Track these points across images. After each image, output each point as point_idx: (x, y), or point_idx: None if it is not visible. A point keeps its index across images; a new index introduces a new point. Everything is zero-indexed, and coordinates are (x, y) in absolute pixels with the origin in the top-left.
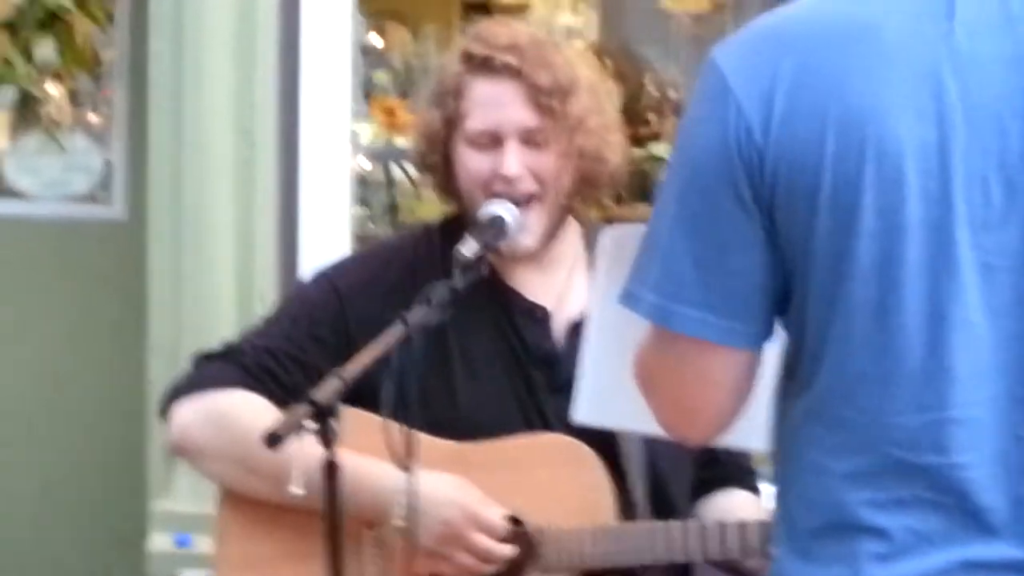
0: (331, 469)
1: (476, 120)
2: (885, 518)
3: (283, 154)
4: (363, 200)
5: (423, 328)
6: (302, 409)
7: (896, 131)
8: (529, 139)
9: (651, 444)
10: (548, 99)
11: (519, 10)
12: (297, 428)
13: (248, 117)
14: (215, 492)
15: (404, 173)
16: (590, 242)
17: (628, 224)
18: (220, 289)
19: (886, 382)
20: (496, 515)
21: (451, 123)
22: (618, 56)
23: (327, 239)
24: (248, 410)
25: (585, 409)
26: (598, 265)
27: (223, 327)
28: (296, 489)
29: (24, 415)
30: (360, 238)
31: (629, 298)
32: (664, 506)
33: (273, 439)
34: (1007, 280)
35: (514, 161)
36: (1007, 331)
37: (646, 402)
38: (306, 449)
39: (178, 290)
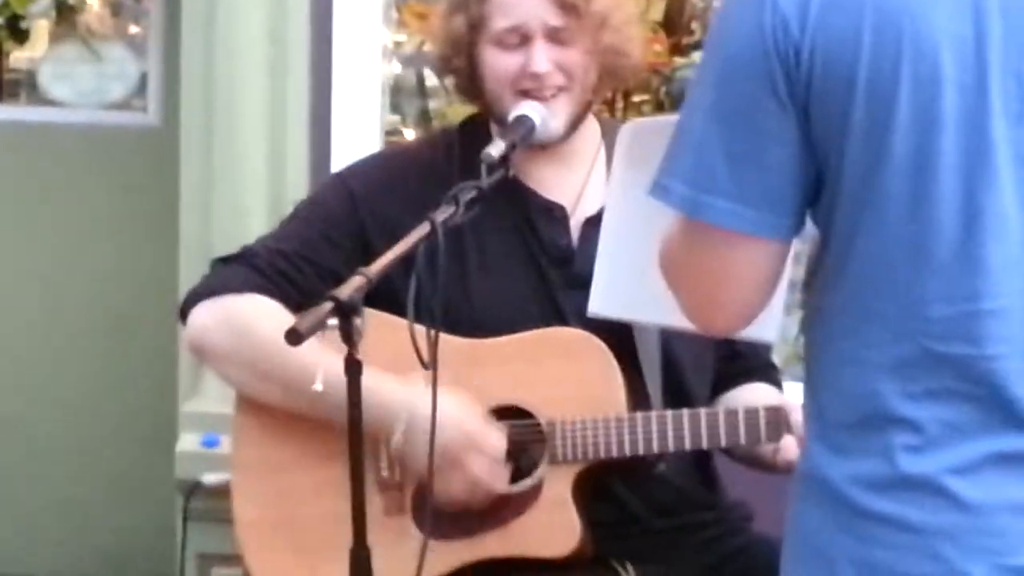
0: (354, 368)
1: (501, 20)
2: (917, 409)
3: (315, 60)
4: (396, 106)
5: (448, 228)
6: (325, 306)
7: (932, 25)
8: (555, 37)
9: (669, 339)
10: None
11: None
12: (320, 326)
13: (280, 23)
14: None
15: (437, 78)
16: (608, 139)
17: (647, 119)
18: (251, 194)
19: (919, 273)
20: (496, 439)
21: (475, 26)
22: None
23: (359, 145)
24: (261, 316)
25: (601, 301)
26: (616, 158)
27: (254, 232)
28: (318, 386)
29: (61, 315)
30: (390, 141)
31: (659, 190)
32: (681, 399)
33: (294, 335)
34: None
35: (543, 58)
36: None
37: (672, 293)
38: (320, 352)
39: (209, 195)
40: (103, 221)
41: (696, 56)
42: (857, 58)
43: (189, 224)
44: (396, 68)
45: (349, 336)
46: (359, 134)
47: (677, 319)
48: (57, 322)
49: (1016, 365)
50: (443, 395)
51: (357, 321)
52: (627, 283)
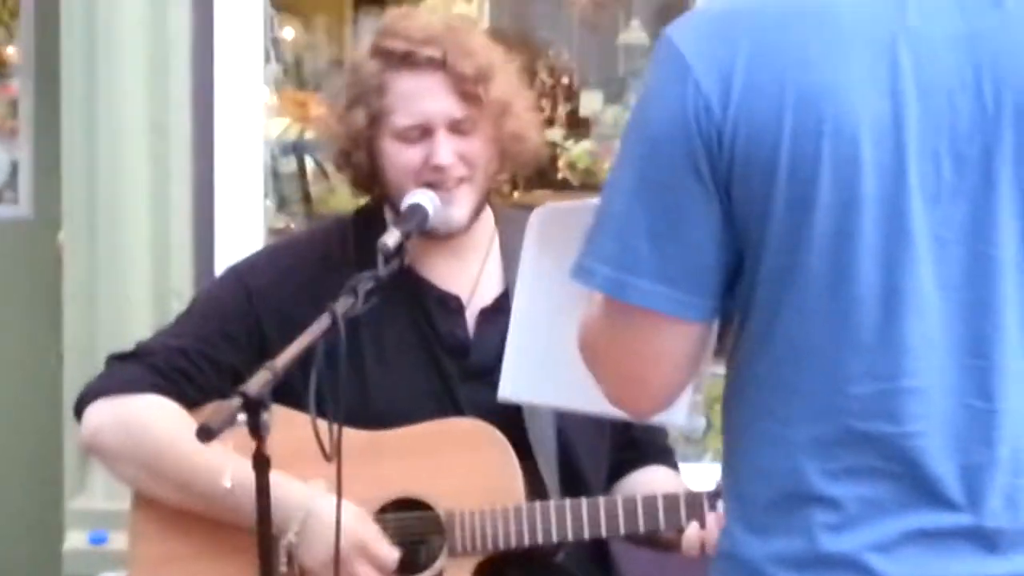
0: (262, 463)
1: (403, 116)
2: (837, 487)
3: (198, 149)
4: (276, 192)
5: (348, 319)
6: (234, 402)
7: (852, 106)
8: (457, 127)
9: (564, 428)
10: (473, 87)
11: (414, 1)
12: (230, 421)
13: (162, 112)
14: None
15: (316, 164)
16: (502, 227)
17: (558, 203)
18: (135, 287)
19: (840, 352)
20: (388, 551)
21: (375, 120)
22: (510, 41)
23: (242, 234)
24: (159, 416)
25: (511, 385)
26: (526, 242)
27: (139, 325)
28: (227, 483)
29: None
30: (274, 231)
31: (582, 271)
32: (578, 490)
33: (205, 432)
34: (956, 253)
35: (447, 151)
36: (956, 303)
37: (593, 375)
38: (220, 451)
39: (93, 287)
40: None
41: (547, 134)
42: (779, 139)
43: (73, 317)
44: (279, 156)
45: (257, 431)
46: (242, 223)
47: (589, 402)
48: None
49: (935, 443)
50: (332, 498)
51: (265, 416)
52: (538, 367)
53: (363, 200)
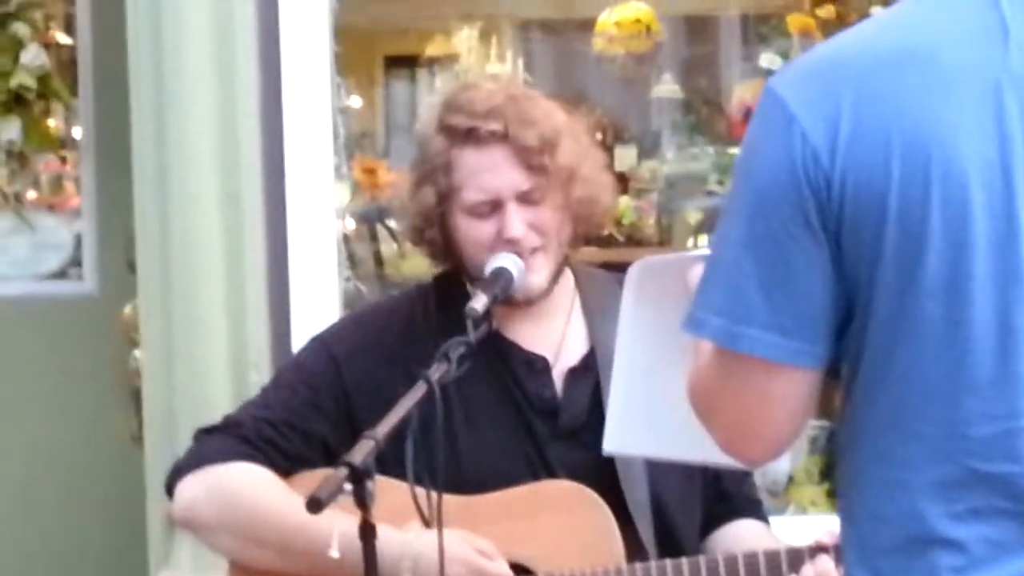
0: (368, 531)
1: (472, 191)
2: (961, 529)
3: (271, 220)
4: (348, 259)
5: (443, 385)
6: (340, 472)
7: (960, 151)
8: (526, 198)
9: (656, 484)
10: (539, 158)
11: (446, 60)
12: (337, 492)
13: (234, 182)
14: (217, 561)
15: (387, 230)
16: (582, 286)
17: (656, 256)
18: (213, 359)
19: (957, 393)
20: (501, 567)
21: (445, 197)
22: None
23: (318, 303)
24: (252, 482)
25: (616, 438)
26: (624, 295)
27: (217, 398)
28: (335, 553)
29: (21, 492)
30: (348, 298)
31: (694, 323)
32: (672, 546)
33: (314, 504)
34: None
35: (518, 223)
36: None
37: (705, 425)
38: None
39: (170, 362)
40: (54, 392)
41: None
42: (887, 186)
43: (151, 392)
44: (350, 223)
45: (363, 500)
46: (317, 291)
47: (693, 451)
48: (17, 497)
49: None
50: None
51: (370, 485)
52: (641, 419)
53: (416, 263)
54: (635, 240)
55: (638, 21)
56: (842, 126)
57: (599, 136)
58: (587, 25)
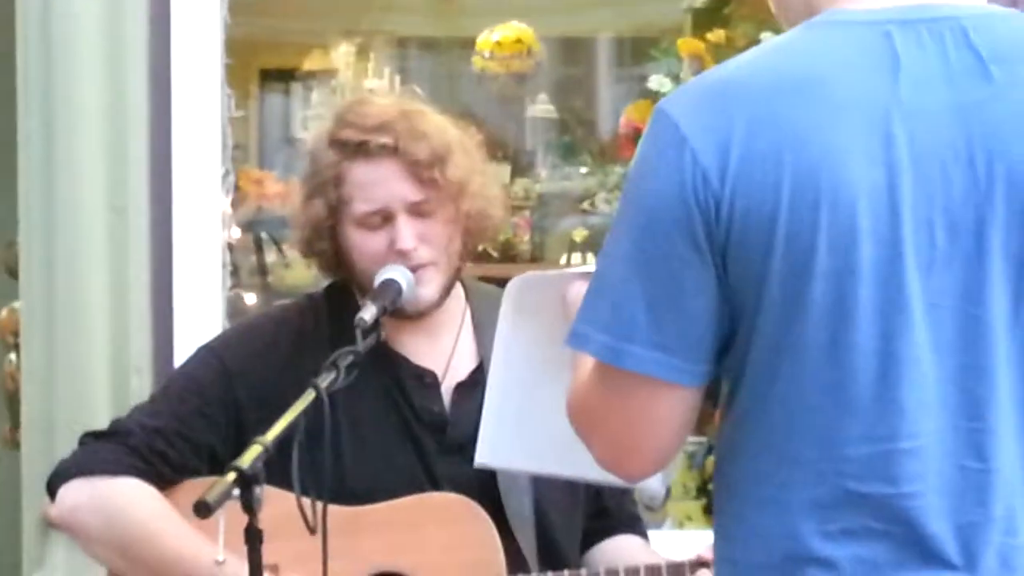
0: (255, 536)
1: (362, 203)
2: (835, 548)
3: (156, 226)
4: (232, 269)
5: (331, 394)
6: (228, 477)
7: (849, 177)
8: (416, 210)
9: (540, 500)
10: (429, 171)
11: (324, 75)
12: (226, 497)
13: (120, 193)
14: (92, 565)
15: (272, 241)
16: (473, 301)
17: (535, 272)
18: (94, 364)
19: (837, 415)
20: None
21: (335, 210)
22: None
23: (201, 311)
24: (137, 502)
25: (489, 451)
26: (503, 310)
27: (98, 402)
28: (220, 557)
29: None
30: (231, 307)
31: (578, 338)
32: (554, 560)
33: (202, 508)
34: (950, 318)
35: (408, 235)
36: (951, 367)
37: (583, 440)
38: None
39: (51, 366)
40: None
41: None
42: (776, 209)
43: (31, 395)
44: (235, 233)
45: (250, 506)
46: (201, 300)
47: (568, 466)
48: None
49: (931, 503)
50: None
51: (258, 491)
52: (515, 432)
53: (300, 274)
54: (509, 256)
55: (519, 41)
56: (733, 149)
57: None
58: (466, 43)
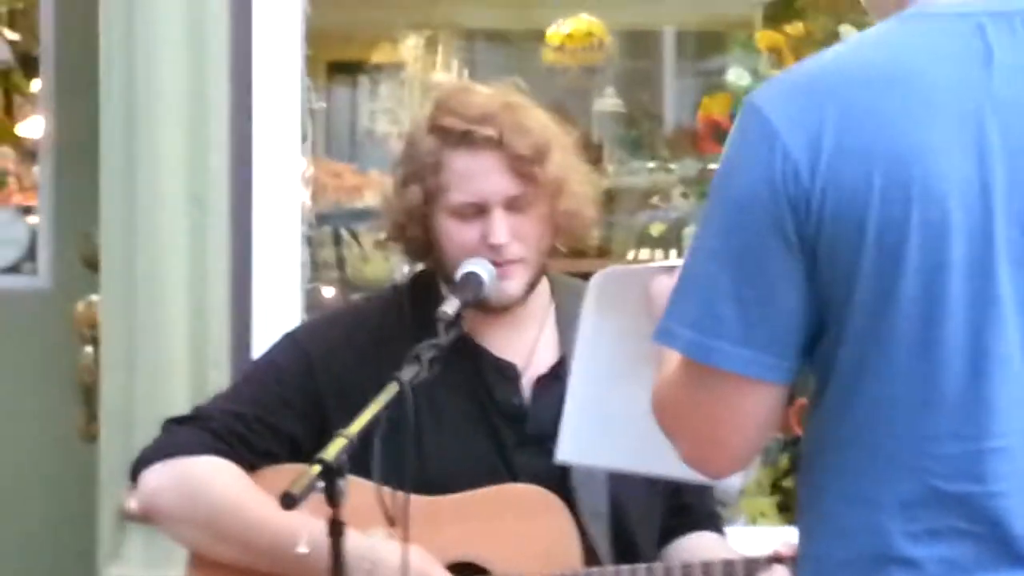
0: (338, 528)
1: (459, 193)
2: (919, 549)
3: (236, 220)
4: (310, 262)
5: (413, 387)
6: (313, 469)
7: (941, 171)
8: (512, 205)
9: (617, 493)
10: (530, 167)
11: (392, 68)
12: (311, 488)
13: (201, 184)
14: (167, 556)
15: (351, 234)
16: (558, 296)
17: (618, 267)
18: (173, 357)
19: (926, 412)
20: None
21: (431, 197)
22: None
23: (280, 305)
24: (218, 477)
25: (570, 448)
26: (585, 304)
27: (176, 395)
28: (303, 549)
29: None
30: (310, 301)
31: (664, 334)
32: (630, 555)
33: (288, 500)
34: None
35: (502, 230)
36: None
37: (669, 437)
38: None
39: (130, 359)
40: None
41: None
42: (868, 204)
43: (110, 387)
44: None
45: (334, 497)
46: (279, 292)
47: (649, 463)
48: None
49: (1018, 503)
50: (395, 544)
51: (341, 483)
52: (597, 429)
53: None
54: (576, 251)
55: (590, 34)
56: (824, 143)
57: None
58: (536, 36)
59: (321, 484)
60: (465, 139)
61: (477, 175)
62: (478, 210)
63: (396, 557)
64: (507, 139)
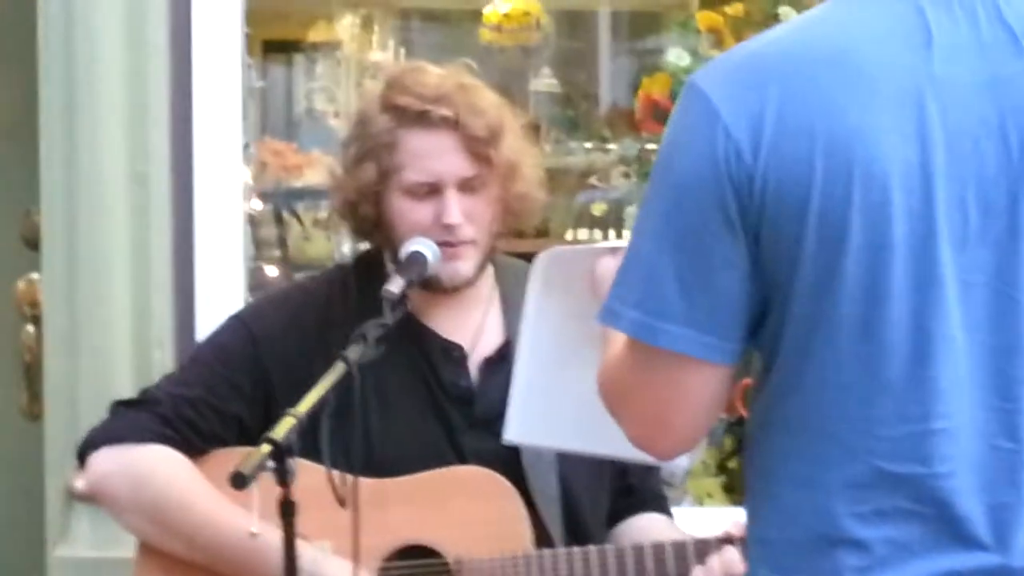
0: (289, 508)
1: (414, 172)
2: (866, 530)
3: (177, 199)
4: (252, 241)
5: (360, 366)
6: (263, 449)
7: (882, 152)
8: (466, 186)
9: (566, 476)
10: (484, 147)
11: (328, 47)
12: (261, 468)
13: (141, 161)
14: (115, 537)
15: (292, 214)
16: (502, 277)
17: (564, 248)
18: (116, 336)
19: (870, 394)
20: None
21: (385, 175)
22: None
23: (222, 283)
24: (166, 468)
25: (517, 428)
26: (530, 285)
27: (120, 374)
28: (254, 529)
29: None
30: (252, 279)
31: (610, 315)
32: (580, 537)
33: (238, 479)
34: (982, 296)
35: (455, 210)
36: (983, 346)
37: (615, 417)
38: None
39: (73, 338)
40: None
41: None
42: (810, 184)
43: (54, 365)
44: (256, 205)
45: (284, 477)
46: (222, 271)
47: (596, 443)
48: None
49: (964, 483)
50: (343, 564)
51: (291, 462)
52: (544, 409)
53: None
54: (516, 231)
55: (527, 13)
56: (766, 123)
57: None
58: (472, 15)
59: (271, 463)
60: (421, 119)
61: (432, 154)
62: (432, 190)
63: (336, 574)
64: (463, 120)
